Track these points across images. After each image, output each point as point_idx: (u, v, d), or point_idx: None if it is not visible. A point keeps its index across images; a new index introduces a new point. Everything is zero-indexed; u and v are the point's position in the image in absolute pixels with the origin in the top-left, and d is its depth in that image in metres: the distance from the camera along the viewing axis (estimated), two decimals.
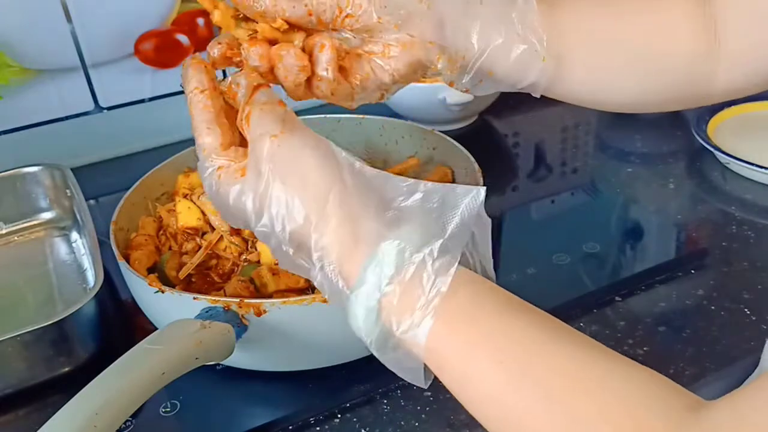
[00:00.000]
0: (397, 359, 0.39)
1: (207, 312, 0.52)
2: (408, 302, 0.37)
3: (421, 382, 0.39)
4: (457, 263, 0.38)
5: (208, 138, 0.44)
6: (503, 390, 0.35)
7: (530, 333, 0.36)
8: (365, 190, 0.40)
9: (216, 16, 0.48)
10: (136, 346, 0.47)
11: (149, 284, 0.55)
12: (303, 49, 0.47)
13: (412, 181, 0.41)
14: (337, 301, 0.40)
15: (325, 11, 0.47)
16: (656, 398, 0.33)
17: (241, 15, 0.48)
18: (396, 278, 0.37)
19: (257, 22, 0.47)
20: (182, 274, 0.62)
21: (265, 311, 0.52)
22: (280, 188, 0.40)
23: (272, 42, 0.47)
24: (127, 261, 0.60)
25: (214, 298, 0.52)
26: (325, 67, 0.47)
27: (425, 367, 0.39)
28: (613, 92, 0.54)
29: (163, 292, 0.54)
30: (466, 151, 0.70)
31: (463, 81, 0.52)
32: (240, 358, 0.55)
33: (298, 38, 0.48)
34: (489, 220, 0.41)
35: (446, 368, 0.37)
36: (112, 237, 0.61)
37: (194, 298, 0.53)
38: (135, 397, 0.44)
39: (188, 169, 0.72)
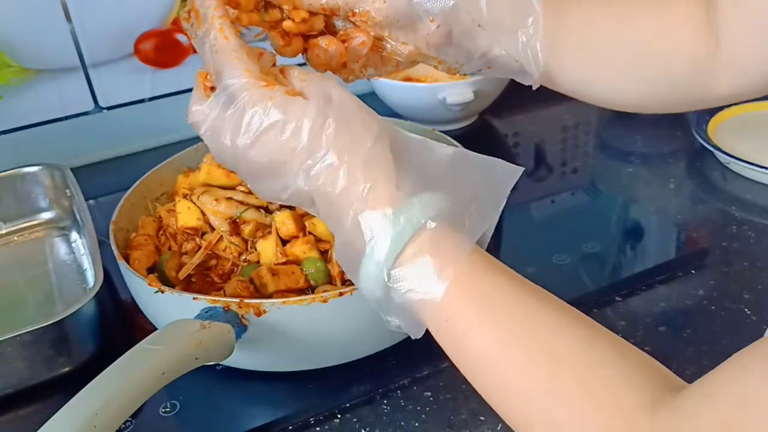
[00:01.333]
0: (401, 310, 0.40)
1: (207, 312, 0.52)
2: (430, 261, 0.39)
3: (419, 333, 0.41)
4: (479, 235, 0.41)
5: (250, 62, 0.43)
6: (496, 351, 0.37)
7: (534, 307, 0.39)
8: (408, 151, 0.42)
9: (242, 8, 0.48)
10: (136, 346, 0.47)
11: (149, 284, 0.55)
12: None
13: (453, 149, 0.43)
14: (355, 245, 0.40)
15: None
16: (640, 378, 0.35)
17: (263, 3, 0.49)
18: (421, 233, 0.39)
19: (281, 11, 0.50)
20: (182, 275, 0.62)
21: (265, 311, 0.52)
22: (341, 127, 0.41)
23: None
24: (127, 261, 0.60)
25: (213, 298, 0.52)
26: (356, 57, 0.51)
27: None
28: (613, 91, 0.55)
29: (162, 292, 0.54)
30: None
31: (463, 68, 0.54)
32: (240, 358, 0.55)
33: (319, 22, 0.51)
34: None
35: (449, 325, 0.39)
36: (111, 237, 0.61)
37: (194, 298, 0.53)
38: (135, 397, 0.44)
39: (188, 169, 0.72)
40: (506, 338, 0.37)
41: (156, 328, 0.54)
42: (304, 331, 0.54)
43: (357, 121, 0.41)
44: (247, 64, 0.42)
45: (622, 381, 0.35)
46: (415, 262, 0.39)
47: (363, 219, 0.39)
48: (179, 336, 0.49)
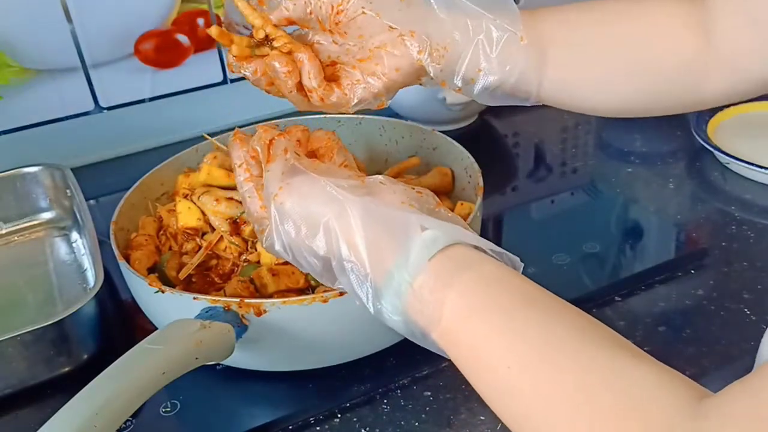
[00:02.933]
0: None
1: (207, 312, 0.52)
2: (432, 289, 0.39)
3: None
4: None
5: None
6: (514, 371, 0.36)
7: (547, 321, 0.37)
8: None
9: (234, 50, 0.54)
10: (137, 346, 0.47)
11: (149, 284, 0.55)
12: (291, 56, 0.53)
13: (415, 216, 0.42)
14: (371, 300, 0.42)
15: (321, 7, 0.51)
16: (666, 389, 0.33)
17: (255, 43, 0.54)
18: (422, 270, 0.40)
19: (270, 47, 0.53)
20: (182, 275, 0.62)
21: (265, 311, 0.52)
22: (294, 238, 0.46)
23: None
24: (127, 261, 0.60)
25: (214, 298, 0.52)
26: (308, 77, 0.52)
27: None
28: (601, 99, 0.55)
29: (163, 292, 0.54)
30: (466, 151, 0.70)
31: (455, 80, 0.53)
32: (240, 358, 0.55)
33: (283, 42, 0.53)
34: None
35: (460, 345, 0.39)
36: (112, 237, 0.61)
37: (194, 298, 0.53)
38: (135, 396, 0.44)
39: (188, 170, 0.72)
40: (521, 359, 0.36)
41: (156, 328, 0.54)
42: (305, 331, 0.54)
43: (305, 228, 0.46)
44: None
45: (654, 398, 0.33)
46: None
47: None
48: (180, 336, 0.49)
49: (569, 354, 0.35)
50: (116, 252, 0.59)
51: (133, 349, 0.47)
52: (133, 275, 0.56)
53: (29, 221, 0.80)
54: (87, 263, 0.74)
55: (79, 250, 0.76)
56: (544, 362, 0.35)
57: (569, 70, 0.53)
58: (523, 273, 0.41)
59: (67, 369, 0.60)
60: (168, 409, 0.57)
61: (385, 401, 0.57)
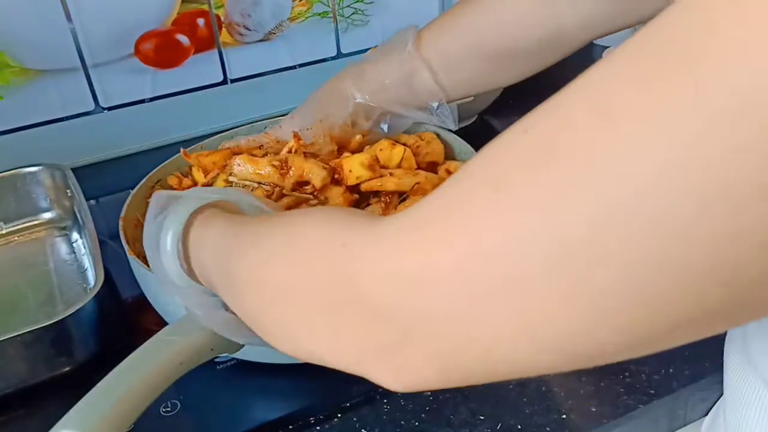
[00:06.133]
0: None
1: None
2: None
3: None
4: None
5: None
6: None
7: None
8: None
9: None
10: (153, 338, 0.48)
11: None
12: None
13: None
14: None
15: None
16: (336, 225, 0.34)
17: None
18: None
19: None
20: None
21: None
22: None
23: None
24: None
25: None
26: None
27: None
28: (492, 78, 0.68)
29: None
30: (468, 146, 0.71)
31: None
32: (252, 350, 0.54)
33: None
34: None
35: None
36: (121, 232, 0.61)
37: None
38: (155, 386, 0.45)
39: (189, 169, 0.72)
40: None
41: (159, 325, 0.53)
42: None
43: None
44: None
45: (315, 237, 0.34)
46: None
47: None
48: (194, 327, 0.49)
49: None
50: (126, 247, 0.59)
51: (149, 341, 0.47)
52: (145, 270, 0.57)
53: (29, 221, 0.80)
54: (87, 263, 0.74)
55: (79, 250, 0.76)
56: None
57: (462, 74, 0.66)
58: None
59: (67, 369, 0.60)
60: (168, 409, 0.57)
61: (386, 401, 0.57)
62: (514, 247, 0.24)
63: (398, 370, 0.30)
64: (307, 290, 0.33)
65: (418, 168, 0.68)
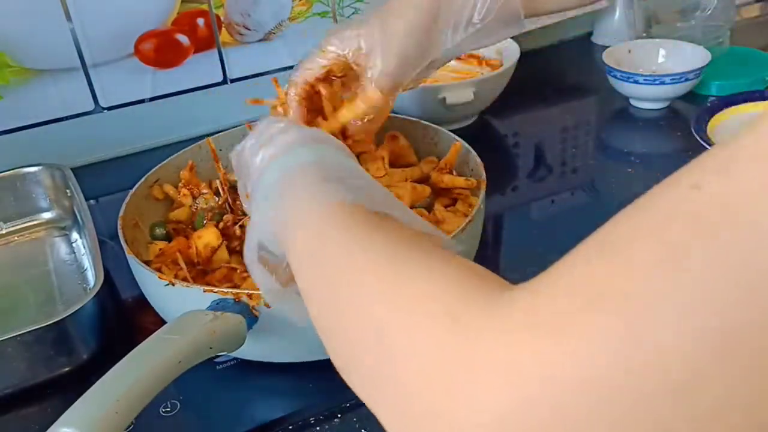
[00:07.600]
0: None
1: (217, 304, 0.53)
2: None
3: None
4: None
5: None
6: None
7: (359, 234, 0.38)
8: None
9: None
10: (152, 336, 0.48)
11: (159, 278, 0.55)
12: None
13: None
14: None
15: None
16: (466, 282, 0.31)
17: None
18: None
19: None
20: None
21: None
22: None
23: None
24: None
25: (224, 290, 0.53)
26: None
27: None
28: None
29: (173, 284, 0.54)
30: (467, 145, 0.71)
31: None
32: (250, 349, 0.55)
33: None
34: None
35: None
36: (120, 232, 0.61)
37: (204, 290, 0.53)
38: (153, 384, 0.45)
39: (192, 163, 0.72)
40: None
41: (159, 324, 0.54)
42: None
43: None
44: None
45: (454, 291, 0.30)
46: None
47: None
48: (193, 326, 0.50)
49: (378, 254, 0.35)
50: (125, 246, 0.59)
51: (149, 339, 0.48)
52: (143, 269, 0.57)
53: (29, 221, 0.80)
54: (87, 263, 0.74)
55: (79, 250, 0.76)
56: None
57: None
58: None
59: (67, 369, 0.60)
60: (168, 409, 0.57)
61: None
62: None
63: None
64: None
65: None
